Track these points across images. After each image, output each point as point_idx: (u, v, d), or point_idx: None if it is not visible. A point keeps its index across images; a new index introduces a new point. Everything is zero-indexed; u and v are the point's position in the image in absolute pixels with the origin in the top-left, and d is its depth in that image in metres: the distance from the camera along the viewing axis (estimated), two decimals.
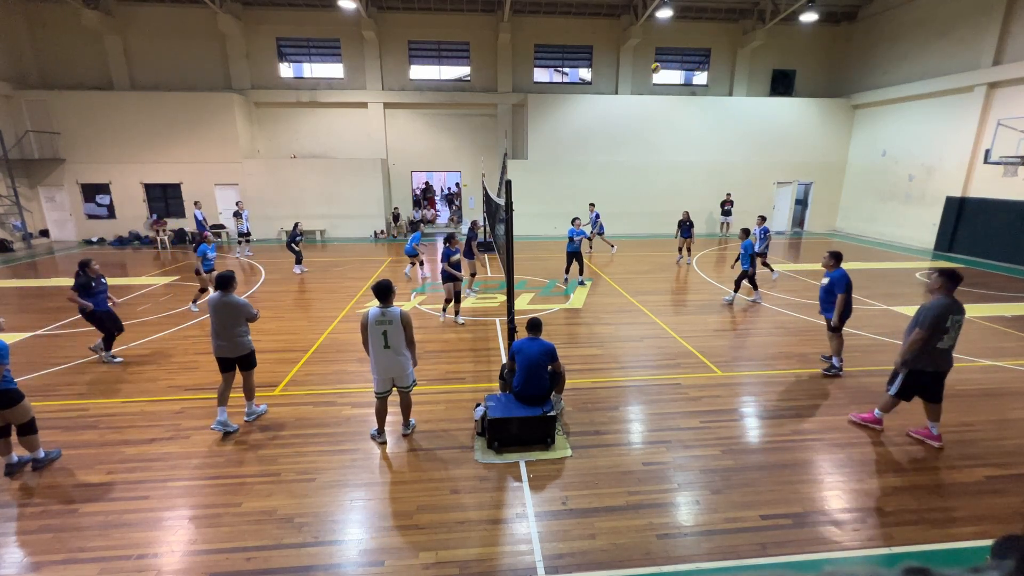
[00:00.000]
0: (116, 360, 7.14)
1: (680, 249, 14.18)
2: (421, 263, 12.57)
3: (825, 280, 6.50)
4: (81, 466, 4.63)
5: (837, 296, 6.30)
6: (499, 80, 19.65)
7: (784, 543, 3.69)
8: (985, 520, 3.91)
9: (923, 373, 4.80)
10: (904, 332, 4.90)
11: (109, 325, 7.04)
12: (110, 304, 7.10)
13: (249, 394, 5.48)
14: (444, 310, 9.04)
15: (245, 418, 5.45)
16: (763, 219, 11.71)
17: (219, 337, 5.19)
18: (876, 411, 5.25)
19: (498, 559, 3.55)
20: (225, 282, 5.20)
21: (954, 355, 4.83)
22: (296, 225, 13.08)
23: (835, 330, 6.50)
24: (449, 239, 8.74)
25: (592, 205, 15.44)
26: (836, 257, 6.44)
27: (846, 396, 6.01)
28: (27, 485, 4.38)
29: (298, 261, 13.02)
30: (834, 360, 6.66)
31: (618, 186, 19.67)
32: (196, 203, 16.18)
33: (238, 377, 5.39)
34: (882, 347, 7.61)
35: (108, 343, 7.11)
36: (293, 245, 12.80)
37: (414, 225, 20.47)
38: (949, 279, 4.68)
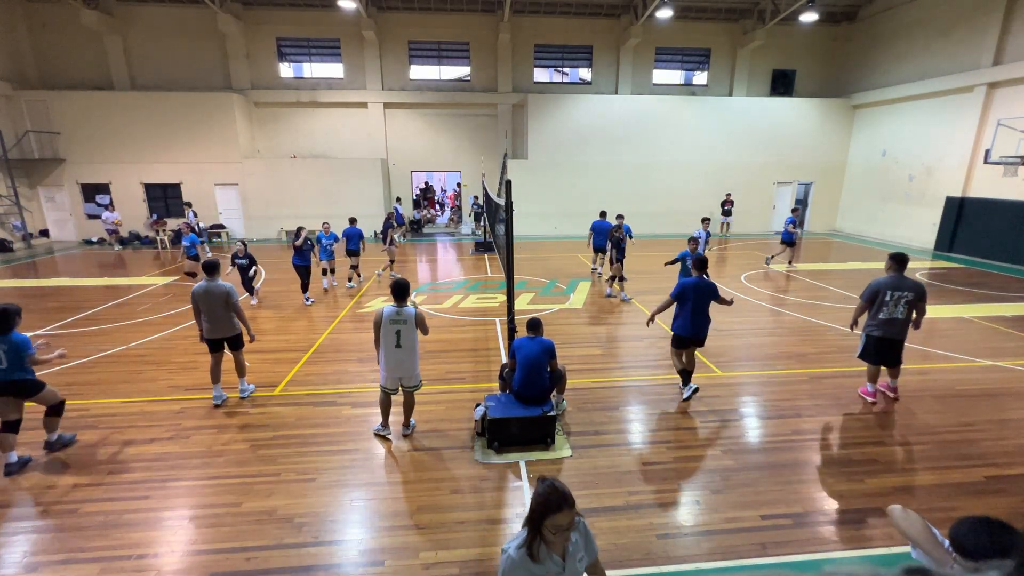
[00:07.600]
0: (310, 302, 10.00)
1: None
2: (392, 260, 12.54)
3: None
4: (81, 466, 4.63)
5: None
6: (499, 80, 19.65)
7: (784, 543, 3.69)
8: None
9: (870, 337, 5.63)
10: None
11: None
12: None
13: (241, 371, 5.94)
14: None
15: (240, 395, 5.92)
16: (707, 221, 10.98)
17: (210, 321, 5.61)
18: (868, 385, 5.81)
19: (498, 559, 3.54)
20: (211, 268, 5.63)
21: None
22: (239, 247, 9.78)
23: None
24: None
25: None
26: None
27: (847, 396, 6.01)
28: (27, 485, 4.37)
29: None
30: None
31: (618, 186, 19.64)
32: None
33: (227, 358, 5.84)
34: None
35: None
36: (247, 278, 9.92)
37: (414, 225, 20.50)
38: (894, 261, 5.51)
